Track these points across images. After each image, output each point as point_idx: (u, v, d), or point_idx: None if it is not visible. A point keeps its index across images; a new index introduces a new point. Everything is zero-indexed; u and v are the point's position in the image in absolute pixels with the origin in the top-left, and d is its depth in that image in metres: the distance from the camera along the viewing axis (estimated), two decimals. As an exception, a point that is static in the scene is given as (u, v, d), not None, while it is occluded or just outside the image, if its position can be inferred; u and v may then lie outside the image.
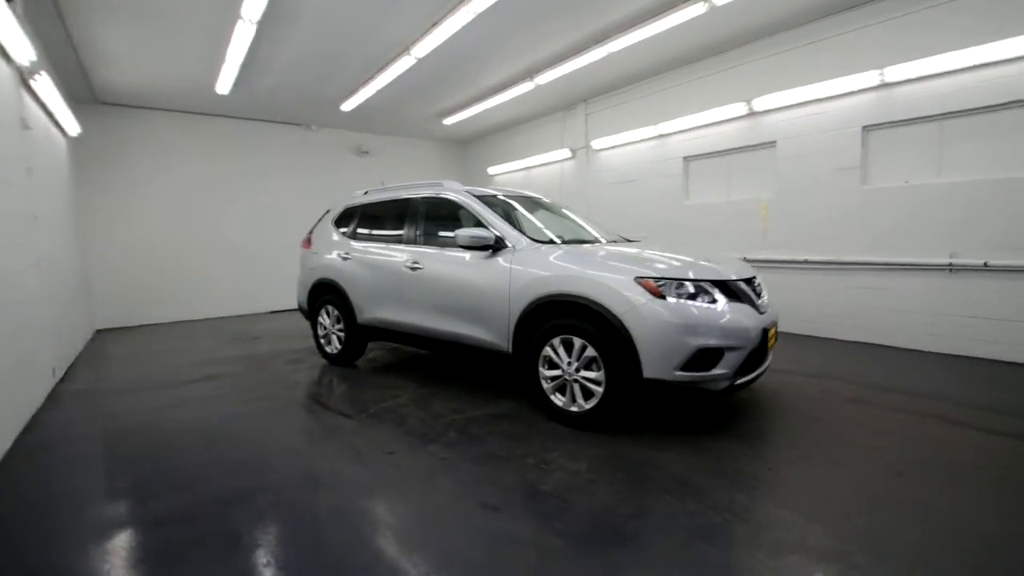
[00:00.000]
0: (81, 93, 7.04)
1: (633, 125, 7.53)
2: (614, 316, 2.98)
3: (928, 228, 4.90)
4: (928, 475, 2.55)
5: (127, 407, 3.88)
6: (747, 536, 2.06)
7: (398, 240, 4.45)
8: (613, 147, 7.97)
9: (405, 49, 5.73)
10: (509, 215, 3.99)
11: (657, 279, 2.96)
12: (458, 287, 3.81)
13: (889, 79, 4.98)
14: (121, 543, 2.10)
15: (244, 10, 4.61)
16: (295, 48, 5.84)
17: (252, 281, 9.06)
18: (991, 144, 4.56)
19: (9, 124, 3.60)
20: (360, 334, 4.77)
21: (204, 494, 2.47)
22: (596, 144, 8.20)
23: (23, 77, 4.03)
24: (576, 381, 3.19)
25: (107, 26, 5.14)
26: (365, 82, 6.87)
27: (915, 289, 5.01)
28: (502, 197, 4.26)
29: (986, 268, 4.54)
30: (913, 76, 4.85)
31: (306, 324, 7.37)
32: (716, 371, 2.90)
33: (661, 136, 7.25)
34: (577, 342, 3.15)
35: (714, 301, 2.97)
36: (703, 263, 3.19)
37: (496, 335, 3.60)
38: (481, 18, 4.94)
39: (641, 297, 2.93)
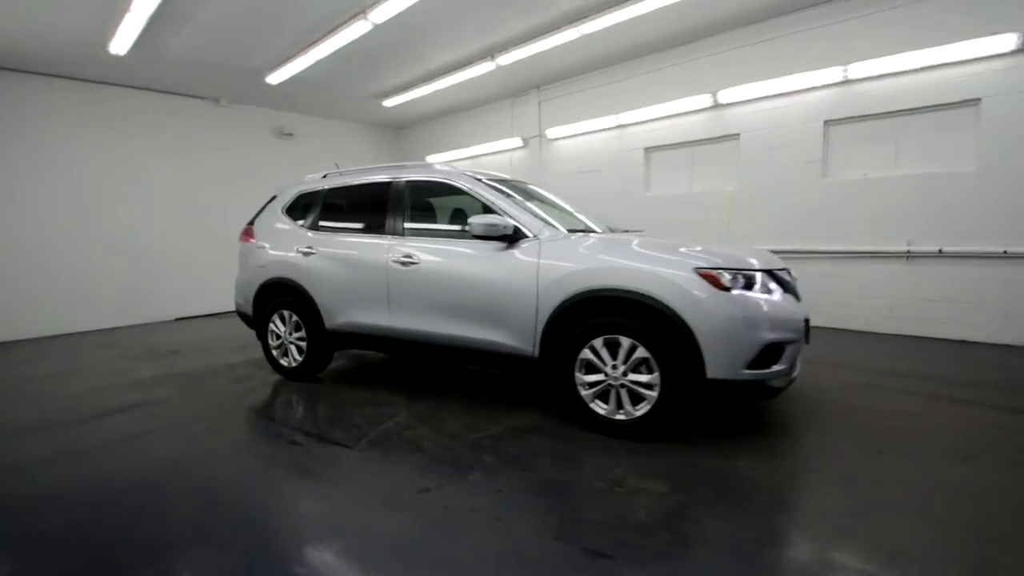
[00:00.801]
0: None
1: (592, 114, 7.35)
2: (673, 312, 2.67)
3: (886, 218, 5.23)
4: (993, 458, 2.55)
5: (23, 459, 2.87)
6: (922, 550, 1.84)
7: (379, 231, 3.79)
8: (570, 136, 7.74)
9: (362, 12, 4.98)
10: (518, 202, 3.53)
11: (719, 270, 2.69)
12: (468, 285, 3.28)
13: (852, 76, 5.22)
14: None
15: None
16: (224, 3, 4.84)
17: (149, 283, 7.61)
18: (941, 140, 4.94)
19: None
20: (328, 343, 4.04)
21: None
22: (551, 133, 7.92)
23: None
24: (624, 386, 2.85)
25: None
26: (305, 49, 5.94)
27: (875, 276, 5.33)
28: (509, 182, 3.78)
29: (940, 255, 4.93)
30: (874, 74, 5.12)
31: (238, 331, 6.36)
32: (777, 367, 2.71)
33: (621, 126, 7.14)
34: (625, 342, 2.80)
35: (770, 292, 2.78)
36: (746, 253, 2.99)
37: (519, 338, 3.14)
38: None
39: (704, 290, 2.65)
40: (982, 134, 4.67)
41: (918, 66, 4.87)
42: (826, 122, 5.51)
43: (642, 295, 2.73)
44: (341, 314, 3.87)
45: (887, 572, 1.72)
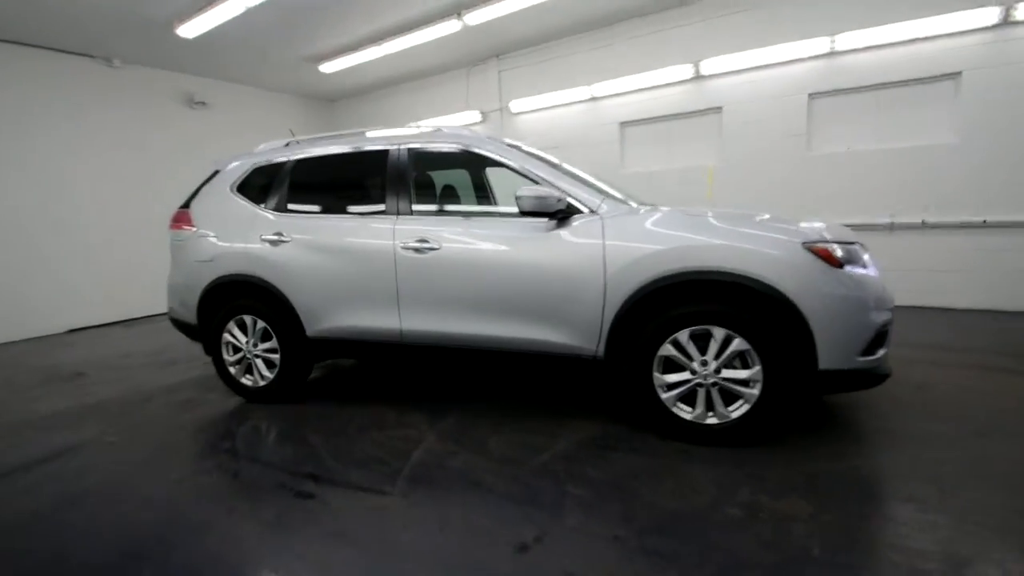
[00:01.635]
0: None
1: (561, 85, 6.84)
2: (783, 295, 2.26)
3: (870, 191, 5.28)
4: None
5: None
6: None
7: (377, 211, 3.03)
8: (536, 110, 7.18)
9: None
10: (562, 170, 2.93)
11: (829, 243, 2.33)
12: (509, 273, 2.66)
13: (839, 47, 5.16)
14: None
15: None
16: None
17: (27, 288, 6.05)
18: (923, 113, 5.02)
19: None
20: (309, 353, 3.23)
21: None
22: (515, 106, 7.31)
23: None
24: (716, 384, 2.42)
25: None
26: (233, -8, 4.82)
27: (859, 249, 5.39)
28: (525, 148, 3.17)
29: (923, 226, 5.06)
30: (859, 46, 5.08)
31: (160, 342, 5.23)
32: (882, 350, 2.42)
33: (594, 99, 6.71)
34: (718, 333, 2.37)
35: (866, 268, 2.47)
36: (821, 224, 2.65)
37: (578, 335, 2.59)
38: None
39: (816, 268, 2.27)
40: (962, 107, 4.80)
41: (902, 39, 4.89)
42: (810, 95, 5.44)
43: (745, 277, 2.30)
44: (329, 317, 3.08)
45: None
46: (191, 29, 5.54)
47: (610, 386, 2.81)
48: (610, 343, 2.54)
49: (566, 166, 3.08)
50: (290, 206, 3.26)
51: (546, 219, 2.63)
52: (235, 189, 3.43)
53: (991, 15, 4.48)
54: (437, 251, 2.79)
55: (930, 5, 4.72)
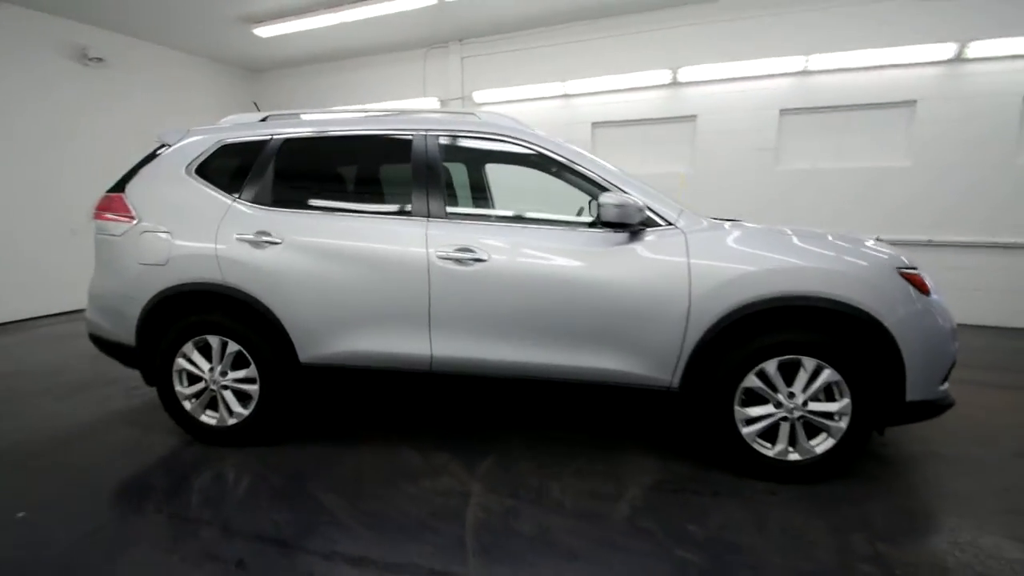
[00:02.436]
0: None
1: (533, 79, 6.49)
2: (878, 323, 2.13)
3: (830, 208, 5.56)
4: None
5: None
6: None
7: (401, 211, 2.49)
8: (504, 102, 6.76)
9: None
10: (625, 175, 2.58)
11: (918, 270, 2.24)
12: (576, 291, 2.28)
13: (811, 67, 5.36)
14: None
15: None
16: None
17: None
18: (879, 136, 5.37)
19: None
20: (300, 383, 2.59)
21: None
22: (480, 96, 6.83)
23: None
24: (801, 418, 2.24)
25: None
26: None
27: (820, 261, 5.68)
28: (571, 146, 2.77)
29: (879, 242, 5.42)
30: (829, 67, 5.31)
31: (55, 357, 4.13)
32: (948, 380, 2.40)
33: (567, 96, 6.45)
34: (809, 364, 2.19)
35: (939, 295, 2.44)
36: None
37: (653, 364, 2.29)
38: None
39: (911, 296, 2.17)
40: (916, 133, 5.19)
41: (867, 65, 5.18)
42: (781, 111, 5.62)
43: (844, 304, 2.13)
44: (332, 339, 2.48)
45: None
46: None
47: (685, 419, 2.55)
48: (687, 373, 2.27)
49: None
50: (277, 198, 2.59)
51: (619, 231, 2.30)
52: (194, 172, 2.67)
53: (947, 50, 4.87)
54: (484, 263, 2.32)
55: (893, 36, 5.03)
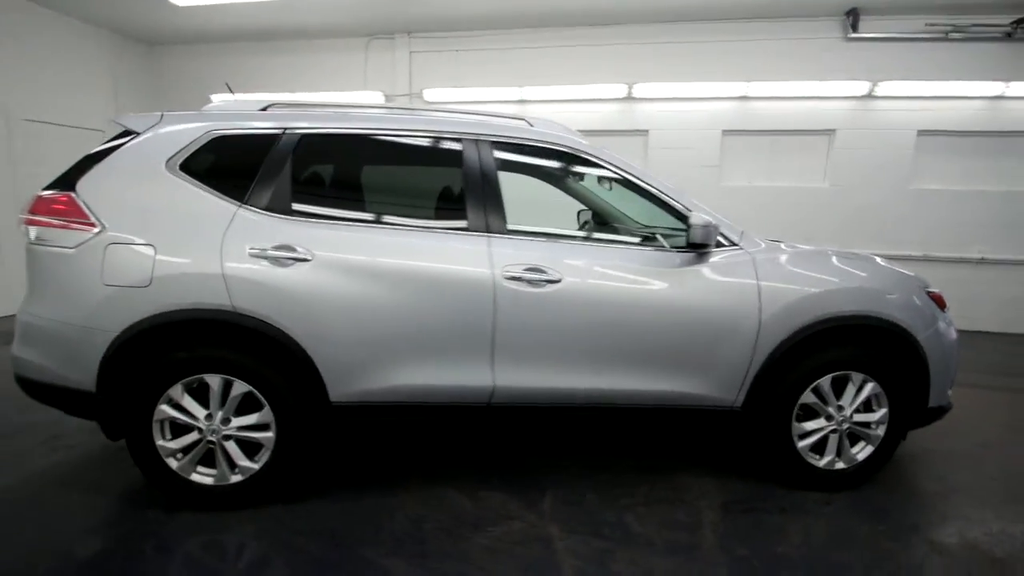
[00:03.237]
0: None
1: (489, 82, 6.30)
2: (913, 338, 2.33)
3: (761, 224, 6.09)
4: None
5: None
6: None
7: (455, 226, 2.21)
8: (455, 102, 6.46)
9: None
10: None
11: (935, 289, 2.49)
12: (649, 314, 2.19)
13: (751, 93, 5.85)
14: None
15: None
16: None
17: None
18: (803, 160, 6.03)
19: None
20: (327, 426, 2.19)
21: None
22: (430, 95, 6.47)
23: None
24: (848, 428, 2.38)
25: None
26: None
27: (755, 270, 6.23)
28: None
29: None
30: (766, 95, 5.85)
31: None
32: (946, 388, 2.72)
33: (524, 102, 6.35)
34: (857, 378, 2.34)
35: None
36: None
37: (719, 385, 2.28)
38: None
39: (936, 313, 2.41)
40: (834, 159, 5.91)
41: (798, 95, 5.79)
42: (724, 131, 6.06)
43: (887, 322, 2.30)
44: (372, 374, 2.12)
45: None
46: None
47: (743, 439, 2.57)
48: (751, 393, 2.30)
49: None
50: (299, 205, 2.16)
51: (688, 252, 2.26)
52: (178, 168, 2.13)
53: (862, 87, 5.61)
54: (557, 284, 2.14)
55: (818, 71, 5.67)
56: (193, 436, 2.09)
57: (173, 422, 2.09)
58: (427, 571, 1.83)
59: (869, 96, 5.66)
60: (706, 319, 2.22)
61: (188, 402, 2.08)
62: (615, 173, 2.38)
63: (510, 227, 2.23)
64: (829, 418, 2.36)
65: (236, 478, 2.13)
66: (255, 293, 2.02)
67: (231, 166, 2.19)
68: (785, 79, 5.73)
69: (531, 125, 2.43)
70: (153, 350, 2.05)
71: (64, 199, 2.06)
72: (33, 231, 2.08)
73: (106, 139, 2.24)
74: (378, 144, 2.31)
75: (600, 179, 2.57)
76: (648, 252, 2.30)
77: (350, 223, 2.17)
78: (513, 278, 2.12)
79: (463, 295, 2.12)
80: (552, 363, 2.19)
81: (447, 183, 2.31)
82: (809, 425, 2.37)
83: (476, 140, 2.29)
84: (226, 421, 2.09)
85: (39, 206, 2.08)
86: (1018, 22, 5.08)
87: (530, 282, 2.13)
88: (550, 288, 2.14)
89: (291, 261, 2.05)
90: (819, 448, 2.40)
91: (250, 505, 2.16)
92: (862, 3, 5.33)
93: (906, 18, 5.37)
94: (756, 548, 2.00)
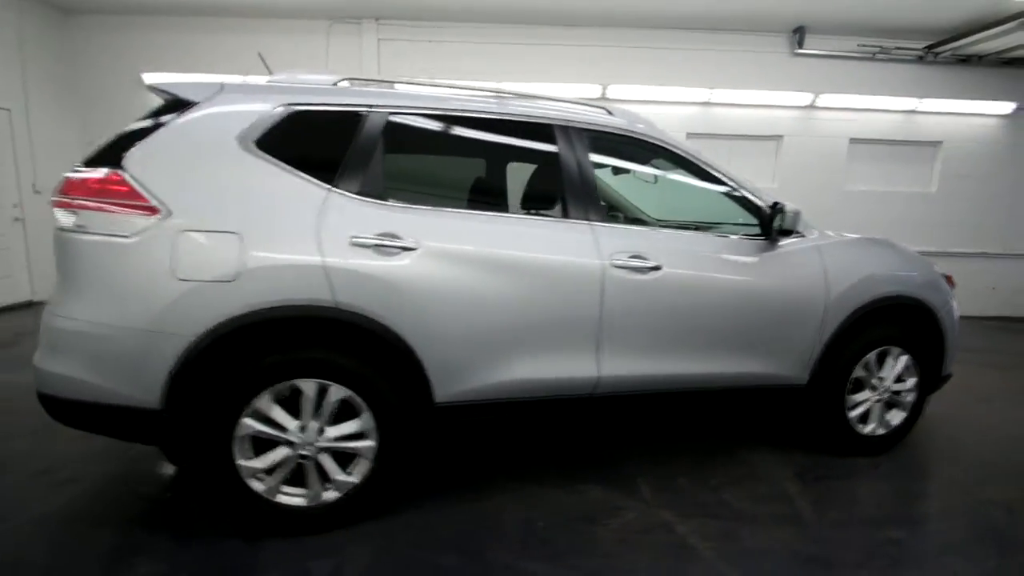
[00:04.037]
0: None
1: (463, 75, 6.13)
2: (935, 314, 2.67)
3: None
4: None
5: None
6: None
7: (552, 213, 2.14)
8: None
9: None
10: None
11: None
12: (739, 299, 2.30)
13: (713, 99, 6.28)
14: None
15: None
16: None
17: None
18: (755, 163, 6.60)
19: None
20: (428, 430, 2.03)
21: None
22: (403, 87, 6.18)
23: None
24: (889, 397, 2.66)
25: None
26: None
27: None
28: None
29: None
30: (725, 101, 6.31)
31: None
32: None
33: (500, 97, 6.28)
34: (895, 352, 2.62)
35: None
36: None
37: (791, 364, 2.44)
38: None
39: (948, 292, 2.77)
40: (781, 162, 6.53)
41: (753, 103, 6.32)
42: (688, 134, 6.45)
43: (919, 301, 2.62)
44: (479, 370, 2.00)
45: None
46: None
47: (807, 414, 2.72)
48: (816, 370, 2.49)
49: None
50: (395, 190, 1.98)
51: (763, 240, 2.40)
52: (253, 145, 1.85)
53: (805, 98, 6.25)
54: (658, 271, 2.16)
55: (770, 81, 6.24)
56: (282, 452, 1.84)
57: (256, 437, 1.82)
58: (571, 569, 1.77)
59: (811, 107, 6.34)
60: (786, 302, 2.37)
61: (277, 413, 1.82)
62: (696, 165, 2.45)
63: (589, 210, 2.19)
64: (873, 389, 2.62)
65: (331, 495, 1.91)
66: (360, 286, 1.82)
67: (315, 145, 1.95)
68: (743, 88, 6.23)
69: (610, 114, 2.43)
70: (238, 355, 1.77)
71: (116, 178, 1.71)
72: (68, 216, 1.71)
73: (147, 111, 1.90)
74: (472, 127, 2.19)
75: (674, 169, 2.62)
76: (732, 240, 2.41)
77: (452, 211, 2.03)
78: (620, 266, 2.12)
79: (574, 284, 2.07)
80: (654, 349, 2.22)
81: (544, 170, 2.25)
82: (859, 396, 2.61)
83: (574, 128, 2.25)
84: (321, 431, 1.87)
85: (77, 186, 1.72)
86: (929, 47, 5.97)
87: (635, 269, 2.14)
88: (652, 275, 2.16)
89: (396, 250, 1.88)
90: (863, 417, 2.66)
91: (341, 526, 1.94)
92: (808, 22, 5.96)
93: (843, 38, 6.09)
94: (846, 512, 2.17)
